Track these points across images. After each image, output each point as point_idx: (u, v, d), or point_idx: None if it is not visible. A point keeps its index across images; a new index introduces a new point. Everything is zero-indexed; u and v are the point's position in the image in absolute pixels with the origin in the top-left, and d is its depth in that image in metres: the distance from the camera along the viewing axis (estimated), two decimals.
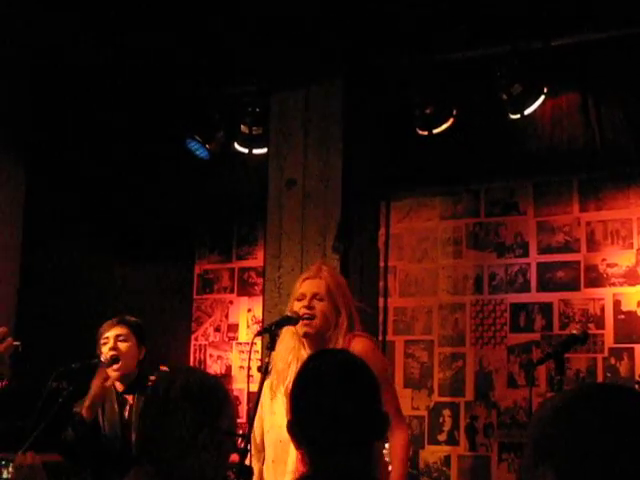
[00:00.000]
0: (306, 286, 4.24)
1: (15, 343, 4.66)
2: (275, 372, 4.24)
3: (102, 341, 4.90)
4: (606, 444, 1.45)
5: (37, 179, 7.59)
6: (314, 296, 4.18)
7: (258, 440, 4.41)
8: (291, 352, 4.22)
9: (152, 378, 4.78)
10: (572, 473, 1.45)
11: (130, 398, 4.90)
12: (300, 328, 4.15)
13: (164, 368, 4.78)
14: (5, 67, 6.86)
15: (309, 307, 4.16)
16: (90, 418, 4.71)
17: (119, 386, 4.93)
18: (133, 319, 5.05)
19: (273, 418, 4.39)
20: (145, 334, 5.07)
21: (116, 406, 4.88)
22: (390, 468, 4.26)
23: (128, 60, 6.62)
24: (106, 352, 4.85)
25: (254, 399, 3.79)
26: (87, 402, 4.72)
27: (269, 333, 3.95)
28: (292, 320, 4.10)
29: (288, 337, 4.22)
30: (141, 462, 2.62)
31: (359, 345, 4.06)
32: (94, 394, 4.71)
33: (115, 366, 4.84)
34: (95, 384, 4.74)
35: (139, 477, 2.59)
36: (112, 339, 4.88)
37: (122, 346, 4.88)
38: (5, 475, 3.27)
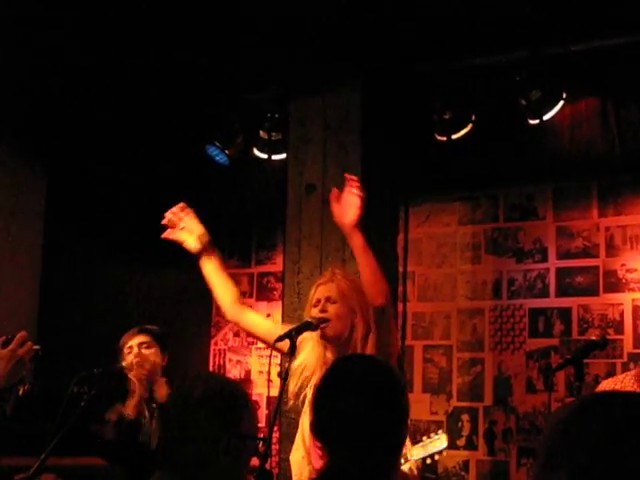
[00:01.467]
0: (320, 292, 4.31)
1: (35, 347, 4.71)
2: (301, 378, 4.26)
3: (126, 350, 4.97)
4: (619, 452, 1.45)
5: (58, 186, 7.64)
6: (327, 300, 4.24)
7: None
8: (318, 358, 4.26)
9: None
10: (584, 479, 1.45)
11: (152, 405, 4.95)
12: (319, 332, 4.20)
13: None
14: (23, 74, 6.90)
15: (323, 310, 4.21)
16: (134, 417, 4.77)
17: (143, 392, 4.98)
18: (154, 327, 5.11)
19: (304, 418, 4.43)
20: (167, 341, 5.13)
21: (147, 412, 4.93)
22: None
23: (149, 67, 6.65)
24: (131, 360, 4.90)
25: (273, 403, 3.81)
26: (134, 401, 4.78)
27: (289, 339, 3.97)
28: (312, 326, 4.14)
29: (314, 343, 4.26)
30: (163, 467, 2.64)
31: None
32: (141, 393, 4.77)
33: (136, 371, 4.90)
34: (139, 386, 4.80)
35: None
36: (136, 347, 4.95)
37: (146, 352, 4.95)
38: None
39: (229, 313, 4.53)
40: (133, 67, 6.69)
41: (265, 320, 4.76)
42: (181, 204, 4.47)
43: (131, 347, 4.99)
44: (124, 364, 4.92)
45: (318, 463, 4.10)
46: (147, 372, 4.96)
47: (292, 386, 4.29)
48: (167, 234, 4.57)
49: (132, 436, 4.77)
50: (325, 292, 4.27)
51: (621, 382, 3.71)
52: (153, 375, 5.00)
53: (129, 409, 4.79)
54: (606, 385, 3.76)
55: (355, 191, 4.29)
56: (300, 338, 4.18)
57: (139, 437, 4.86)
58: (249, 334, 4.75)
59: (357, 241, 4.24)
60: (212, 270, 4.53)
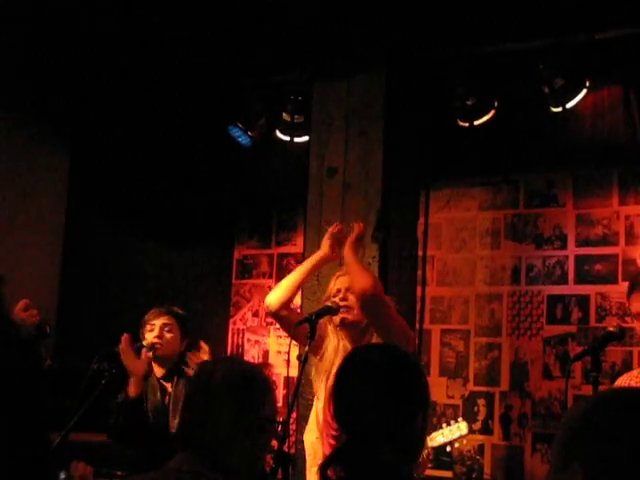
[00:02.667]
0: (340, 282, 4.40)
1: (46, 326, 4.78)
2: (323, 369, 4.31)
3: (148, 327, 5.01)
4: (635, 449, 1.46)
5: (80, 165, 7.70)
6: (348, 289, 4.31)
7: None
8: (335, 350, 4.31)
9: (189, 366, 4.90)
10: (601, 475, 1.47)
11: (169, 386, 5.00)
12: (338, 317, 4.25)
13: (203, 345, 4.87)
14: (42, 53, 6.93)
15: (343, 299, 4.29)
16: (135, 395, 4.80)
17: (158, 372, 5.03)
18: (180, 311, 5.15)
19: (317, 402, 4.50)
20: (188, 326, 5.18)
21: (159, 394, 4.98)
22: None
23: (174, 49, 6.68)
24: (150, 338, 4.95)
25: (291, 383, 3.85)
26: (134, 379, 4.82)
27: (309, 322, 4.01)
28: (332, 310, 4.19)
29: (330, 336, 4.31)
30: (184, 448, 2.68)
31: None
32: (140, 371, 4.81)
33: (154, 350, 4.95)
34: (141, 363, 4.84)
35: (182, 463, 2.66)
36: (158, 327, 5.00)
37: (167, 336, 5.00)
38: (62, 476, 3.36)
39: (278, 305, 4.54)
40: (158, 47, 6.72)
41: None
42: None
43: (154, 325, 5.03)
44: (144, 343, 4.97)
45: (328, 450, 4.17)
46: (162, 353, 5.01)
47: (315, 381, 4.38)
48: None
49: (134, 416, 4.81)
50: (345, 282, 4.34)
51: (636, 377, 3.73)
52: (169, 359, 5.05)
53: (130, 388, 4.83)
54: (621, 382, 3.79)
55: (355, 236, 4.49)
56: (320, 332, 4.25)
57: (147, 420, 4.90)
58: (283, 327, 4.80)
59: (348, 257, 4.43)
60: (309, 269, 4.61)
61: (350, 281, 4.29)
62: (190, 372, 4.88)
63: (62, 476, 3.28)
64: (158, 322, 5.02)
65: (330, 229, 4.70)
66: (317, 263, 4.63)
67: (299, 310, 6.15)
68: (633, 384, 3.73)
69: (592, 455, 1.49)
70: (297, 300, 7.06)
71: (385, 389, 2.40)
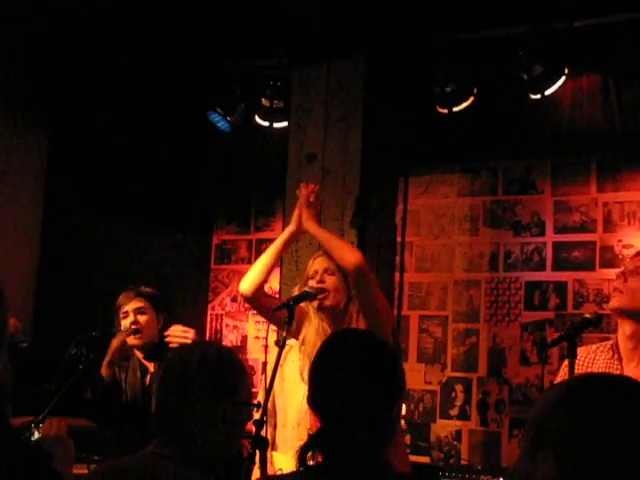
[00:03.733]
0: (317, 264, 4.35)
1: (22, 344, 4.80)
2: (308, 351, 4.31)
3: (121, 315, 4.99)
4: (606, 434, 1.47)
5: (58, 148, 7.67)
6: (325, 271, 4.29)
7: (270, 405, 4.50)
8: (317, 332, 4.30)
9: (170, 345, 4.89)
10: (571, 460, 1.48)
11: (151, 366, 4.99)
12: (316, 302, 4.25)
13: (176, 326, 4.83)
14: (21, 29, 6.89)
15: (320, 281, 4.26)
16: (109, 376, 4.80)
17: (139, 354, 5.02)
18: (149, 290, 5.11)
19: (283, 384, 4.50)
20: (162, 302, 5.15)
21: (138, 373, 4.97)
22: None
23: (152, 32, 6.65)
24: (127, 325, 4.94)
25: (270, 370, 3.85)
26: (106, 359, 4.82)
27: (287, 308, 4.01)
28: (310, 296, 4.18)
29: (311, 317, 4.31)
30: (160, 433, 2.69)
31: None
32: (113, 351, 4.80)
33: (137, 336, 4.94)
34: (114, 342, 4.83)
35: (157, 448, 2.66)
36: (131, 313, 4.97)
37: (142, 319, 4.97)
38: (37, 435, 3.35)
39: (252, 289, 4.49)
40: (139, 30, 6.69)
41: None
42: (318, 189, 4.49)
43: (127, 312, 5.00)
44: (123, 328, 4.96)
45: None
46: (143, 342, 5.00)
47: (299, 362, 4.37)
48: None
49: (108, 397, 4.82)
50: (323, 264, 4.31)
51: (594, 352, 3.75)
52: (150, 340, 5.04)
53: (102, 368, 4.84)
54: (579, 353, 3.80)
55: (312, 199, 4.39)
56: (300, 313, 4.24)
57: (121, 400, 4.90)
58: (259, 312, 4.77)
59: (313, 228, 4.38)
60: (279, 248, 4.53)
61: (333, 258, 4.25)
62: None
63: (36, 435, 3.28)
64: (130, 307, 4.99)
65: (301, 195, 4.49)
66: (287, 239, 4.53)
67: (277, 295, 6.17)
68: (591, 357, 3.74)
69: (564, 442, 1.50)
70: (275, 285, 7.08)
71: (363, 375, 2.41)
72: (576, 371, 3.59)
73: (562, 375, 3.76)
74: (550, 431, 1.52)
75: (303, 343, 4.33)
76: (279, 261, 4.73)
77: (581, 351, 3.84)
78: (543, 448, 1.52)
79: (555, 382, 3.85)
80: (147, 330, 4.98)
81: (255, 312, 8.03)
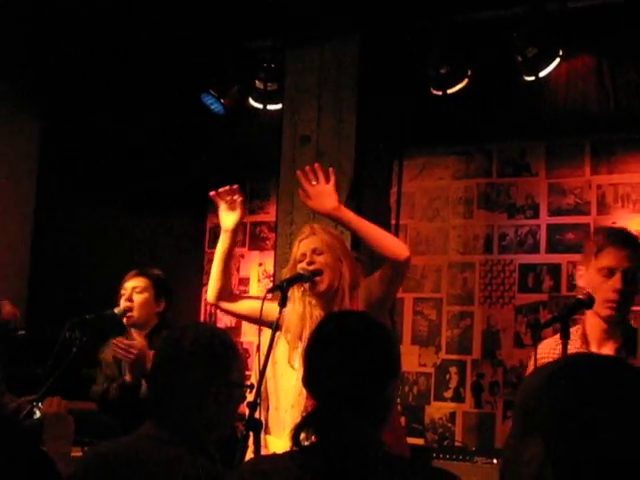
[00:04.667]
0: (304, 246, 4.26)
1: (20, 332, 4.80)
2: (291, 337, 4.29)
3: (121, 292, 5.00)
4: (594, 415, 1.46)
5: (51, 131, 7.65)
6: (313, 251, 4.22)
7: (262, 388, 4.49)
8: (301, 317, 4.27)
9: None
10: (560, 443, 1.46)
11: (151, 353, 4.98)
12: (310, 284, 4.22)
13: (121, 339, 4.82)
14: (20, 19, 6.86)
15: (310, 262, 4.19)
16: (132, 382, 4.78)
17: (140, 338, 5.01)
18: (155, 272, 5.11)
19: (275, 367, 4.50)
20: (167, 287, 5.14)
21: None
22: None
23: (148, 15, 6.62)
24: (122, 304, 4.94)
25: (264, 353, 3.85)
26: (127, 368, 4.80)
27: (281, 290, 4.00)
28: (304, 277, 4.15)
29: (297, 303, 4.27)
30: (153, 415, 2.69)
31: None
32: (134, 359, 4.76)
33: (127, 315, 4.95)
34: (136, 349, 4.79)
35: (151, 429, 2.67)
36: (129, 290, 4.97)
37: (137, 298, 4.96)
38: (38, 414, 3.36)
39: (214, 297, 4.48)
40: (131, 14, 6.66)
41: (249, 300, 4.71)
42: (236, 187, 4.44)
43: (125, 289, 5.01)
44: (116, 310, 4.96)
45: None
46: (132, 321, 4.99)
47: (282, 348, 4.35)
48: (214, 195, 4.52)
49: (131, 400, 4.81)
50: (310, 245, 4.23)
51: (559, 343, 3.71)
52: (145, 324, 5.03)
53: (126, 376, 4.84)
54: (546, 344, 3.81)
55: (322, 180, 4.31)
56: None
57: (139, 398, 4.89)
58: (234, 315, 4.77)
59: (348, 218, 4.26)
60: (225, 251, 4.50)
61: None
62: None
63: (37, 414, 3.28)
64: (129, 285, 5.00)
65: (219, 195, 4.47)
66: (227, 242, 4.50)
67: (272, 279, 6.16)
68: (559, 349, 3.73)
69: (552, 424, 1.48)
70: (269, 267, 7.07)
71: (359, 356, 2.41)
72: (544, 360, 3.58)
73: (532, 361, 3.76)
74: (537, 414, 1.50)
75: (287, 330, 4.29)
76: (231, 267, 4.65)
77: (549, 342, 3.85)
78: (531, 431, 1.50)
79: (530, 367, 3.87)
80: (139, 310, 4.97)
81: (251, 294, 8.13)
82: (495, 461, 5.84)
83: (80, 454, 4.23)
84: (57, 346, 4.66)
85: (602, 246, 3.68)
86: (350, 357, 2.40)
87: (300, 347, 4.22)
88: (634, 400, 1.49)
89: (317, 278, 4.17)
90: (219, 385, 2.67)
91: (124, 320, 4.96)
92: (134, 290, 4.99)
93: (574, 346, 3.67)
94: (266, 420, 4.53)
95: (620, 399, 1.48)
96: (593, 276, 3.68)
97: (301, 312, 4.24)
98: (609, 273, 3.64)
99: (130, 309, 4.95)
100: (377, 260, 4.32)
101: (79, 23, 6.81)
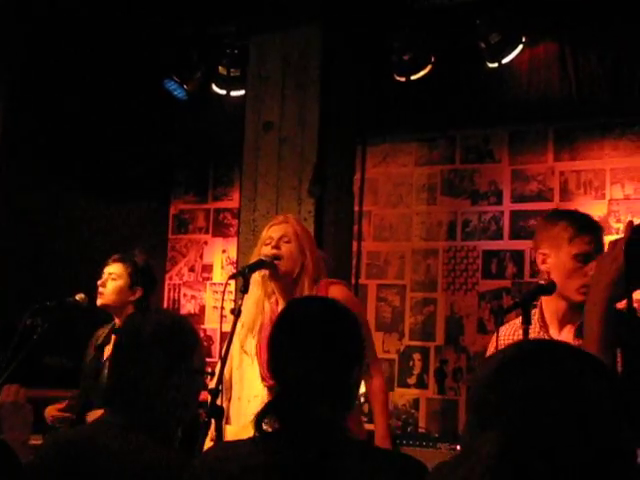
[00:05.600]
0: (273, 230, 4.38)
1: None
2: (243, 324, 4.32)
3: (101, 275, 5.05)
4: (548, 405, 1.43)
5: (14, 116, 7.56)
6: (281, 238, 4.32)
7: (227, 377, 4.51)
8: (256, 305, 4.32)
9: None
10: (518, 436, 1.43)
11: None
12: (262, 276, 4.27)
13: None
14: None
15: (276, 247, 4.27)
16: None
17: (118, 323, 5.06)
18: (136, 259, 5.13)
19: (242, 357, 4.51)
20: (145, 275, 5.15)
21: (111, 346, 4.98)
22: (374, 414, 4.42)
23: None
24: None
25: (227, 339, 3.85)
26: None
27: (243, 276, 4.02)
28: (265, 264, 4.20)
29: (255, 289, 4.31)
30: (114, 402, 2.67)
31: (337, 292, 4.16)
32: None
33: (99, 297, 4.98)
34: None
35: (111, 416, 2.65)
36: (105, 275, 5.02)
37: (110, 284, 5.02)
38: None
39: None
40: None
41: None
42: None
43: (103, 274, 5.06)
44: (77, 297, 4.96)
45: None
46: (105, 305, 5.03)
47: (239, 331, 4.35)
48: None
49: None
50: (279, 231, 4.34)
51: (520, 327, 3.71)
52: (119, 309, 5.04)
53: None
54: (509, 327, 3.84)
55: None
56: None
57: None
58: None
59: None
60: None
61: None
62: None
63: None
64: (106, 270, 5.06)
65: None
66: None
67: (235, 265, 6.15)
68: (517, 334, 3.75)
69: (509, 422, 1.44)
70: (233, 254, 7.06)
71: (321, 341, 2.40)
72: (507, 342, 3.60)
73: (493, 345, 3.78)
74: (490, 409, 1.47)
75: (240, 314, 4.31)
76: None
77: (511, 325, 3.87)
78: (486, 427, 1.46)
79: (490, 350, 3.88)
80: (111, 296, 5.01)
81: (214, 281, 8.11)
82: (458, 447, 5.87)
83: (40, 442, 4.21)
84: (17, 333, 4.64)
85: (577, 232, 3.69)
86: (314, 342, 2.39)
87: (254, 332, 4.29)
88: (584, 384, 1.47)
89: (276, 262, 4.22)
90: (180, 371, 2.66)
91: (97, 303, 5.01)
92: (110, 276, 5.04)
93: (533, 330, 3.68)
94: (227, 410, 4.54)
95: (572, 385, 1.46)
96: (566, 262, 3.68)
97: (256, 298, 4.31)
98: (584, 259, 3.65)
99: (100, 294, 5.00)
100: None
101: (44, 5, 6.74)
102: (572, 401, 1.45)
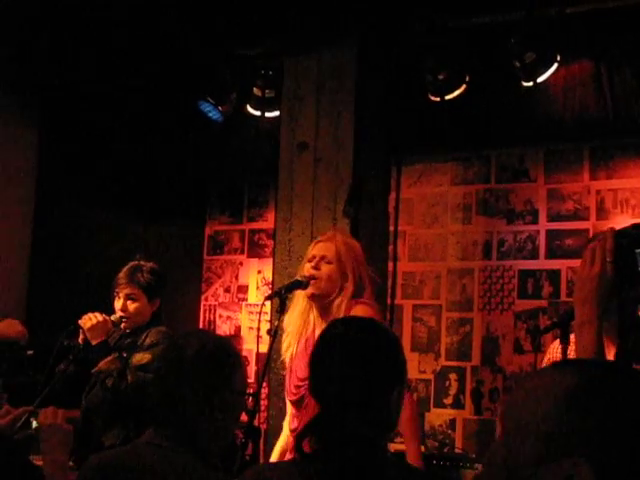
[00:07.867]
0: (317, 249, 4.35)
1: (29, 352, 4.82)
2: (287, 334, 4.31)
3: (114, 293, 5.03)
4: (633, 429, 1.33)
5: (50, 138, 7.63)
6: (322, 258, 4.29)
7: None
8: (301, 315, 4.30)
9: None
10: (612, 465, 1.31)
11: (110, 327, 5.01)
12: (307, 291, 4.25)
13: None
14: (19, 20, 6.86)
15: (316, 267, 4.25)
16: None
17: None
18: (143, 278, 5.09)
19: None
20: (158, 286, 5.13)
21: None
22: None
23: (147, 22, 6.62)
24: (117, 309, 4.96)
25: (263, 359, 3.85)
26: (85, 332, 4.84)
27: (279, 297, 4.01)
28: (302, 284, 4.18)
29: (301, 300, 4.30)
30: (156, 422, 2.68)
31: (360, 312, 4.11)
32: (93, 326, 4.81)
33: (124, 322, 4.97)
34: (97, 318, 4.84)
35: (153, 437, 2.65)
36: (122, 298, 4.99)
37: (131, 307, 5.00)
38: (35, 424, 3.34)
39: None
40: (130, 20, 6.65)
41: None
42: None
43: (119, 295, 5.04)
44: (112, 318, 4.97)
45: (293, 423, 4.20)
46: (129, 326, 5.02)
47: (282, 344, 4.36)
48: None
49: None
50: (322, 250, 4.31)
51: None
52: (139, 324, 5.05)
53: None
54: (555, 346, 3.81)
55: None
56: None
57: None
58: None
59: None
60: None
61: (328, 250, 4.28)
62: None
63: (34, 424, 3.26)
64: (122, 292, 5.02)
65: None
66: None
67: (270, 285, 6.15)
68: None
69: (598, 446, 1.32)
70: (268, 274, 7.06)
71: (363, 362, 2.40)
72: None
73: (551, 358, 3.75)
74: (562, 438, 1.35)
75: (287, 326, 4.32)
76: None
77: (556, 345, 3.84)
78: (566, 456, 1.32)
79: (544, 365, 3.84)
80: (134, 317, 5.01)
81: (249, 302, 8.12)
82: None
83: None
84: (54, 354, 4.66)
85: None
86: (355, 363, 2.39)
87: (298, 343, 4.27)
88: None
89: (313, 283, 4.20)
90: (222, 393, 2.66)
91: (121, 326, 4.99)
92: (127, 297, 5.01)
93: (571, 350, 3.64)
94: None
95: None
96: None
97: (302, 308, 4.29)
98: None
99: (125, 318, 4.99)
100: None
101: (77, 28, 6.80)
102: None
